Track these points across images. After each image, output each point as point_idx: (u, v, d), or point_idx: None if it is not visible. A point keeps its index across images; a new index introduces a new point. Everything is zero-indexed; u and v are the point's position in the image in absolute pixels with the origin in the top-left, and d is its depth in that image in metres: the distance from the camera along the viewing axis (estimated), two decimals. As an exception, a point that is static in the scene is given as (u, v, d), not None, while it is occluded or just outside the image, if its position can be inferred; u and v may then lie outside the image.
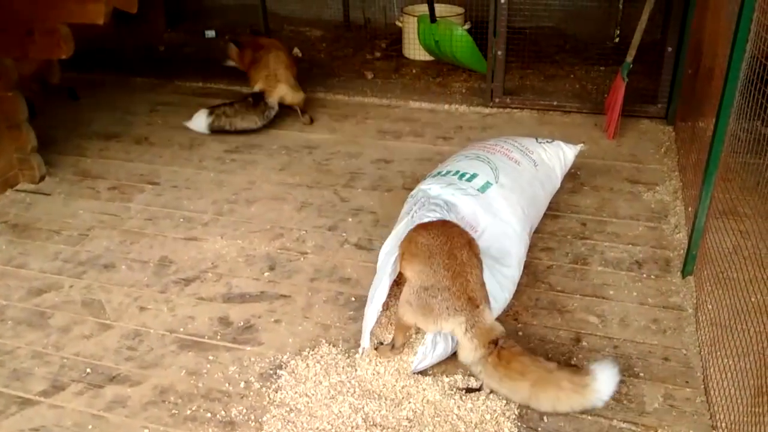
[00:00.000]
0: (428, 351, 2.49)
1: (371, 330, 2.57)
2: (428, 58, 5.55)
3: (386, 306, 2.70)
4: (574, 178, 3.71)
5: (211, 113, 4.42)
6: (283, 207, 3.69)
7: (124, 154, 4.30)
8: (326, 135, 4.47)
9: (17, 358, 2.69)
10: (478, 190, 3.01)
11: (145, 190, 3.89)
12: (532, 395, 2.29)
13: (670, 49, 4.24)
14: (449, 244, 2.41)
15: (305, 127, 4.60)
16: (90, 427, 2.37)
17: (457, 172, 3.13)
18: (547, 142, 3.46)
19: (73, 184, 3.98)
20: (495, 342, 2.32)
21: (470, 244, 2.48)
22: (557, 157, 3.41)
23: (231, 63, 4.83)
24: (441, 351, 2.52)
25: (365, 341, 2.57)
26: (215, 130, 4.43)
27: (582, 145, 3.58)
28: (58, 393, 2.51)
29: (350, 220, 3.55)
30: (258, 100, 4.44)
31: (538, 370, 2.30)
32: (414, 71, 5.47)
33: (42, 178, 3.99)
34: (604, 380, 2.28)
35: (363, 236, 3.39)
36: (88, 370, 2.62)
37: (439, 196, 2.96)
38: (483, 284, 2.43)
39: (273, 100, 4.46)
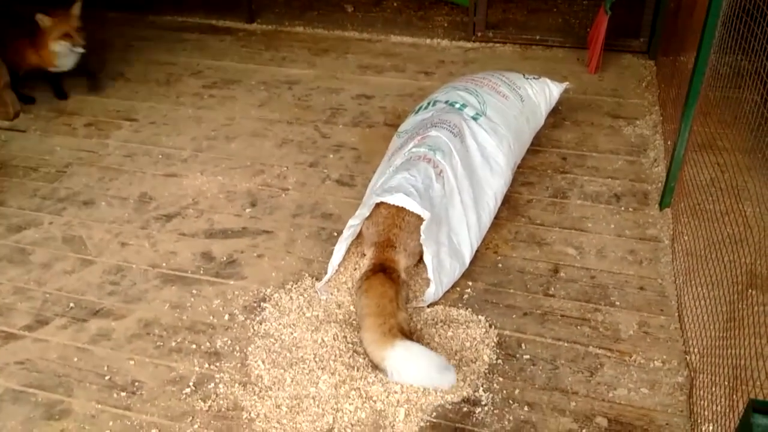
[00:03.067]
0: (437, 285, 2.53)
1: (335, 266, 2.61)
2: (410, -9, 5.42)
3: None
4: (555, 112, 3.70)
5: None
6: (263, 143, 3.65)
7: (99, 90, 4.20)
8: (306, 70, 4.40)
9: (-1, 295, 2.69)
10: (471, 117, 3.03)
11: (123, 127, 3.82)
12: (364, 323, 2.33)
13: (653, -18, 4.18)
14: None
15: (284, 62, 4.50)
16: (75, 359, 2.40)
17: (447, 101, 3.13)
18: (534, 78, 3.44)
19: (48, 120, 3.89)
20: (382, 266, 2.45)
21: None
22: (543, 93, 3.39)
23: None
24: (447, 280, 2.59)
25: (326, 277, 2.61)
26: None
27: (567, 83, 3.56)
28: (42, 327, 2.53)
29: (331, 156, 3.53)
30: None
31: (390, 303, 2.34)
32: (395, 4, 5.34)
33: (16, 115, 3.89)
34: (400, 359, 2.20)
35: (344, 172, 3.38)
36: (71, 304, 2.63)
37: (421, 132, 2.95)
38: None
39: None
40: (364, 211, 2.56)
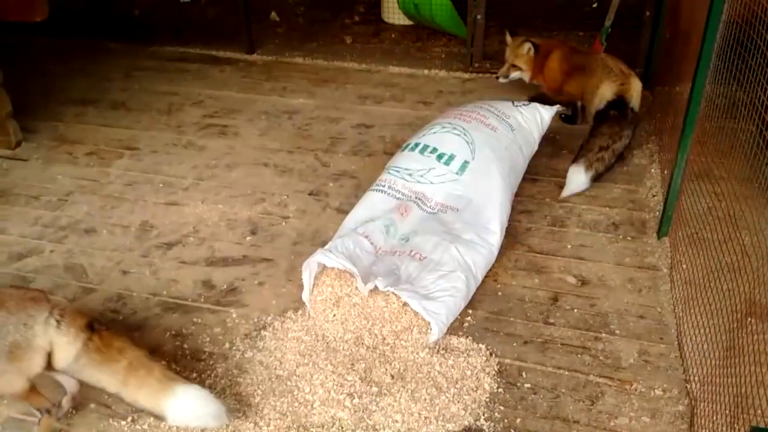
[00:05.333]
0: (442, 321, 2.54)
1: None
2: (407, 22, 5.51)
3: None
4: (552, 142, 3.75)
5: (588, 167, 3.36)
6: (264, 172, 3.68)
7: (101, 119, 4.24)
8: (306, 100, 4.45)
9: None
10: (455, 173, 3.06)
11: (124, 156, 3.85)
12: (124, 377, 2.06)
13: (648, 13, 4.27)
14: None
15: (284, 92, 4.56)
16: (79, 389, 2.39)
17: (435, 150, 3.13)
18: (524, 104, 3.49)
19: (50, 149, 3.92)
20: (90, 325, 2.09)
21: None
22: (534, 119, 3.44)
23: (515, 74, 3.97)
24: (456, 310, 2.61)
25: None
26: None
27: (558, 106, 3.61)
28: (43, 356, 2.52)
29: (331, 184, 3.56)
30: (622, 108, 3.51)
31: (137, 351, 2.13)
32: (393, 36, 5.44)
33: (18, 144, 3.93)
34: (184, 401, 2.06)
35: (344, 201, 3.41)
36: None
37: (408, 187, 3.04)
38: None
39: (635, 99, 3.59)
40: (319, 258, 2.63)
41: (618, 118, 3.48)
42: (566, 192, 3.36)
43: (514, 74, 3.97)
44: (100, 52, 5.17)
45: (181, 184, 3.59)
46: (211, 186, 3.56)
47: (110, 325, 2.26)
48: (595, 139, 3.42)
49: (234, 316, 2.71)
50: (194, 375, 2.43)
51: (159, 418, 2.16)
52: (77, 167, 3.75)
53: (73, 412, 2.30)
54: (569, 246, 3.05)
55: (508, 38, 4.00)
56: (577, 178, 3.34)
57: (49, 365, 2.06)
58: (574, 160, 3.40)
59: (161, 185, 3.58)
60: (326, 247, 2.73)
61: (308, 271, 2.63)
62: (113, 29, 5.53)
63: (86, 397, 2.35)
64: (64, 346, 2.03)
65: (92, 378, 2.09)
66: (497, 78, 4.03)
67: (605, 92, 3.58)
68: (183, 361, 2.50)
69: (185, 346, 2.57)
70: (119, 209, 3.38)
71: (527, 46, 3.85)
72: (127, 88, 4.64)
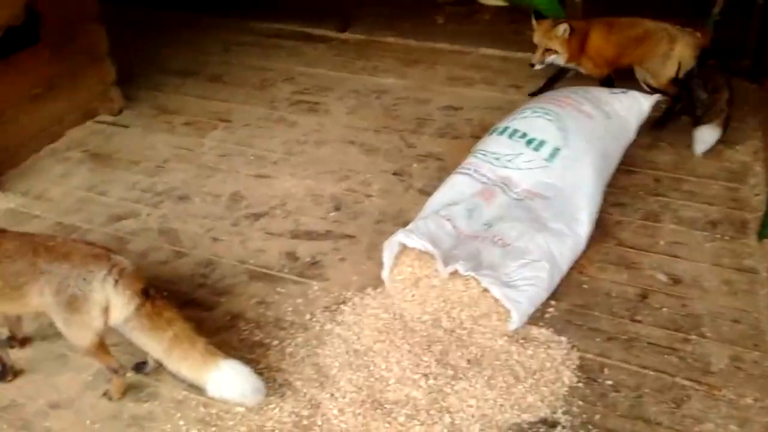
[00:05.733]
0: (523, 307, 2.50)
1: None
2: (503, 3, 5.38)
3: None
4: (651, 133, 3.59)
5: (721, 123, 3.39)
6: (350, 150, 3.72)
7: (199, 91, 4.39)
8: (395, 80, 4.45)
9: (99, 279, 2.84)
10: (545, 159, 2.98)
11: (219, 127, 3.98)
12: (168, 348, 2.15)
13: (760, 0, 4.00)
14: (31, 245, 2.21)
15: (375, 71, 4.57)
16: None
17: (524, 135, 3.05)
18: (622, 92, 3.35)
19: (150, 117, 4.10)
20: (146, 290, 2.17)
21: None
22: (632, 107, 3.29)
23: (551, 57, 3.74)
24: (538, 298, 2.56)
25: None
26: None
27: (658, 95, 3.45)
28: (136, 313, 2.65)
29: (416, 165, 3.55)
30: (713, 56, 3.50)
31: (184, 324, 2.19)
32: (487, 17, 5.33)
33: (120, 111, 4.12)
34: (227, 375, 2.14)
35: (428, 182, 3.39)
36: (165, 293, 2.73)
37: (494, 172, 2.98)
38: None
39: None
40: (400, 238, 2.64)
41: (716, 66, 3.47)
42: (701, 147, 3.41)
43: (550, 58, 3.75)
44: (201, 25, 5.34)
45: (271, 157, 3.67)
46: (299, 161, 3.63)
47: (164, 295, 2.33)
48: (714, 96, 3.41)
49: (315, 288, 2.77)
50: (275, 342, 2.50)
51: (198, 389, 2.23)
52: (174, 136, 3.91)
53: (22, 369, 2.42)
54: (662, 242, 2.93)
55: (534, 22, 3.77)
56: (709, 132, 3.39)
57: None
58: (698, 123, 3.43)
59: (252, 158, 3.67)
60: (408, 227, 2.73)
61: (389, 250, 2.65)
62: (214, 3, 5.69)
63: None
64: (118, 306, 2.12)
65: (138, 341, 2.19)
66: (532, 66, 3.80)
67: (685, 53, 3.48)
68: (266, 327, 2.58)
69: (268, 313, 2.65)
70: (212, 179, 3.51)
71: (563, 27, 3.62)
72: (224, 61, 4.77)
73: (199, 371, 2.16)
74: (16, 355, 2.46)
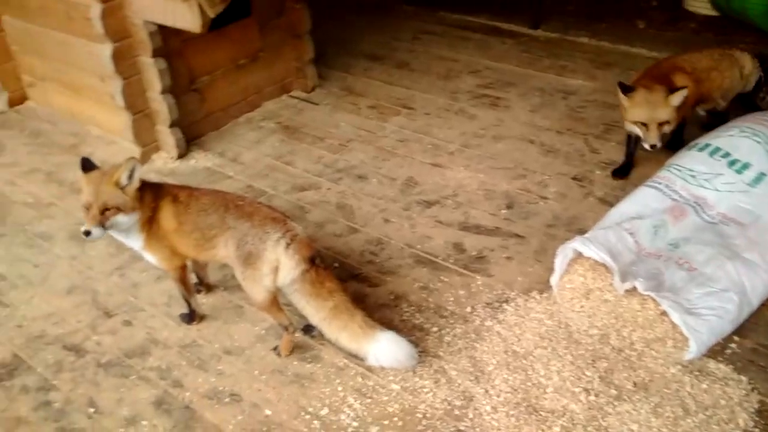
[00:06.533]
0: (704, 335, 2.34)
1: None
2: (712, 12, 4.99)
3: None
4: None
5: None
6: (529, 148, 3.65)
7: (385, 76, 4.52)
8: (584, 81, 4.28)
9: (278, 242, 3.04)
10: (748, 184, 2.76)
11: (401, 113, 4.08)
12: (328, 317, 2.27)
13: None
14: (224, 201, 2.40)
15: (563, 71, 4.44)
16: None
17: (727, 154, 2.84)
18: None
19: (338, 97, 4.29)
20: (313, 258, 2.28)
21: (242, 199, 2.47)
22: None
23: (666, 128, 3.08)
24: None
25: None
26: None
27: None
28: (308, 279, 2.80)
29: (598, 172, 3.41)
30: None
31: (344, 296, 2.30)
32: (693, 25, 4.96)
33: (313, 89, 4.36)
34: (384, 345, 2.23)
35: (610, 191, 3.24)
36: (336, 264, 2.89)
37: (688, 190, 2.80)
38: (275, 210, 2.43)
39: None
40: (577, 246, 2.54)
41: None
42: None
43: (666, 129, 3.07)
44: (393, 12, 5.49)
45: (448, 148, 3.70)
46: (475, 154, 3.63)
47: (329, 266, 2.43)
48: None
49: (479, 282, 2.76)
50: (435, 329, 2.53)
51: (356, 356, 2.34)
52: (359, 117, 4.06)
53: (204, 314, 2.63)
54: None
55: (624, 97, 3.07)
56: None
57: None
58: None
59: (429, 146, 3.73)
60: (586, 235, 2.63)
61: (563, 255, 2.57)
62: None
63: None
64: (286, 267, 2.26)
65: (298, 304, 2.33)
66: (651, 148, 3.07)
67: (751, 67, 3.44)
68: (426, 312, 2.62)
69: (430, 299, 2.68)
70: (389, 162, 3.60)
71: (682, 94, 2.99)
72: (412, 49, 4.87)
73: (359, 342, 2.26)
74: (200, 301, 2.70)
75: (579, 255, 2.57)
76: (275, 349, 2.49)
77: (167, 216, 2.38)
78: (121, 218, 2.29)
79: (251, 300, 2.42)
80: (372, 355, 2.25)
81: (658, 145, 3.06)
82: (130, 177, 2.28)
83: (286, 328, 2.43)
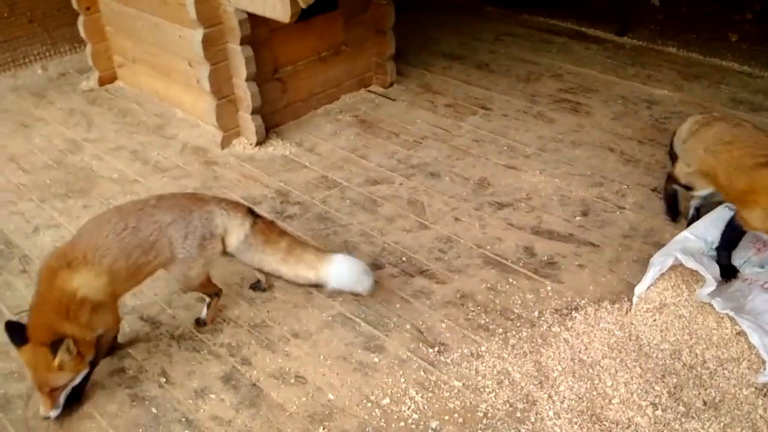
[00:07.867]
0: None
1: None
2: (814, 27, 4.76)
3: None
4: None
5: None
6: (608, 156, 3.57)
7: (464, 75, 4.51)
8: (670, 92, 4.15)
9: (349, 233, 3.09)
10: None
11: (477, 113, 4.06)
12: (284, 256, 2.42)
13: None
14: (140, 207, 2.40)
15: (648, 80, 4.31)
16: (397, 306, 2.66)
17: None
18: None
19: (415, 94, 4.31)
20: (251, 210, 2.47)
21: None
22: None
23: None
24: None
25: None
26: None
27: None
28: (376, 271, 2.83)
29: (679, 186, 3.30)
30: None
31: (291, 236, 2.54)
32: (790, 40, 4.74)
33: (391, 84, 4.39)
34: (341, 263, 2.41)
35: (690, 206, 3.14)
36: (404, 258, 2.91)
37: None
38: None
39: None
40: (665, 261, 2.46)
41: None
42: None
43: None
44: (476, 12, 5.47)
45: (524, 150, 3.66)
46: (551, 159, 3.57)
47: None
48: None
49: (548, 288, 2.72)
50: (500, 330, 2.52)
51: (318, 286, 2.50)
52: (434, 115, 4.07)
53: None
54: None
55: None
56: None
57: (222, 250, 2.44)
58: None
59: (505, 148, 3.70)
60: (676, 249, 2.54)
61: (659, 267, 2.50)
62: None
63: (403, 316, 2.60)
64: (236, 228, 2.40)
65: (253, 258, 2.45)
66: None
67: None
68: (492, 313, 2.60)
69: (497, 301, 2.67)
70: (463, 161, 3.60)
71: None
72: (492, 50, 4.84)
73: (316, 268, 2.41)
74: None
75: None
76: (198, 321, 2.61)
77: (87, 283, 2.15)
78: (73, 383, 2.19)
79: (190, 285, 2.49)
80: (332, 277, 2.39)
81: None
82: (68, 351, 2.07)
83: (216, 294, 2.58)
